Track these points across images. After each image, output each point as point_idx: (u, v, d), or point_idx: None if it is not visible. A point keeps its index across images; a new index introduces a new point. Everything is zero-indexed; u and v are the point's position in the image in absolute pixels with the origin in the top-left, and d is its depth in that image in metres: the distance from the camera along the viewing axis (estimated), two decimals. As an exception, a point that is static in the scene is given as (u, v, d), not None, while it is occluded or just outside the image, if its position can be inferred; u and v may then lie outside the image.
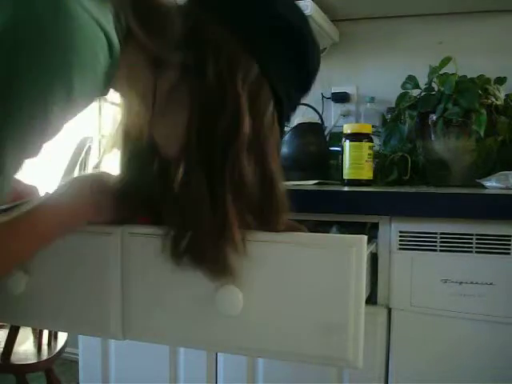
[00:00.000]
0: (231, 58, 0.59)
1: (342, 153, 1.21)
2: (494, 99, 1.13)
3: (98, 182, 0.66)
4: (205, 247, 0.59)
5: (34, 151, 0.50)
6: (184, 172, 0.59)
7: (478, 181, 1.11)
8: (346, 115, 1.58)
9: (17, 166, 0.49)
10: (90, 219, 0.66)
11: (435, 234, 0.90)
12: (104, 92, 0.58)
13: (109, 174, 0.68)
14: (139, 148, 0.66)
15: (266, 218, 0.62)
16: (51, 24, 0.46)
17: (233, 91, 0.58)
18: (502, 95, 1.17)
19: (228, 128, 0.58)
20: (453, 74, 1.15)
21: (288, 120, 0.69)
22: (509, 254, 0.86)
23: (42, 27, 0.46)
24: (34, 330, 1.62)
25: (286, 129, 1.28)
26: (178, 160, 0.59)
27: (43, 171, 1.34)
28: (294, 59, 0.64)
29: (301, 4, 1.28)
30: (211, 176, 0.58)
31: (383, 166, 1.27)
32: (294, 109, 0.69)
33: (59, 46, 0.46)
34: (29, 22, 0.45)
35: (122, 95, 0.63)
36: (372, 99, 1.52)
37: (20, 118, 0.46)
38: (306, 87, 0.69)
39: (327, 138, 1.46)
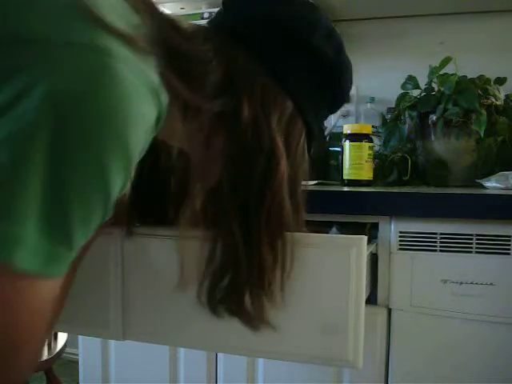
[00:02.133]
0: (266, 101, 0.57)
1: (341, 153, 1.21)
2: (493, 99, 1.13)
3: None
4: (241, 299, 0.57)
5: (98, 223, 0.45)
6: (216, 217, 0.56)
7: (478, 181, 1.11)
8: (345, 115, 1.58)
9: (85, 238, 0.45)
10: None
11: (435, 234, 0.90)
12: None
13: None
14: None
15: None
16: (100, 96, 0.41)
17: (268, 134, 0.56)
18: (501, 95, 1.17)
19: (265, 171, 0.56)
20: (453, 74, 1.15)
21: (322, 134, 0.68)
22: (509, 254, 0.86)
23: (88, 101, 0.41)
24: (33, 330, 1.62)
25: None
26: (211, 197, 0.57)
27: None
28: (330, 91, 0.63)
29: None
30: (247, 220, 0.56)
31: (383, 166, 1.27)
32: (322, 125, 0.67)
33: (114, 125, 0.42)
34: (73, 98, 0.40)
35: None
36: (372, 99, 1.51)
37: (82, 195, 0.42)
38: (339, 108, 0.70)
39: (327, 139, 1.46)
